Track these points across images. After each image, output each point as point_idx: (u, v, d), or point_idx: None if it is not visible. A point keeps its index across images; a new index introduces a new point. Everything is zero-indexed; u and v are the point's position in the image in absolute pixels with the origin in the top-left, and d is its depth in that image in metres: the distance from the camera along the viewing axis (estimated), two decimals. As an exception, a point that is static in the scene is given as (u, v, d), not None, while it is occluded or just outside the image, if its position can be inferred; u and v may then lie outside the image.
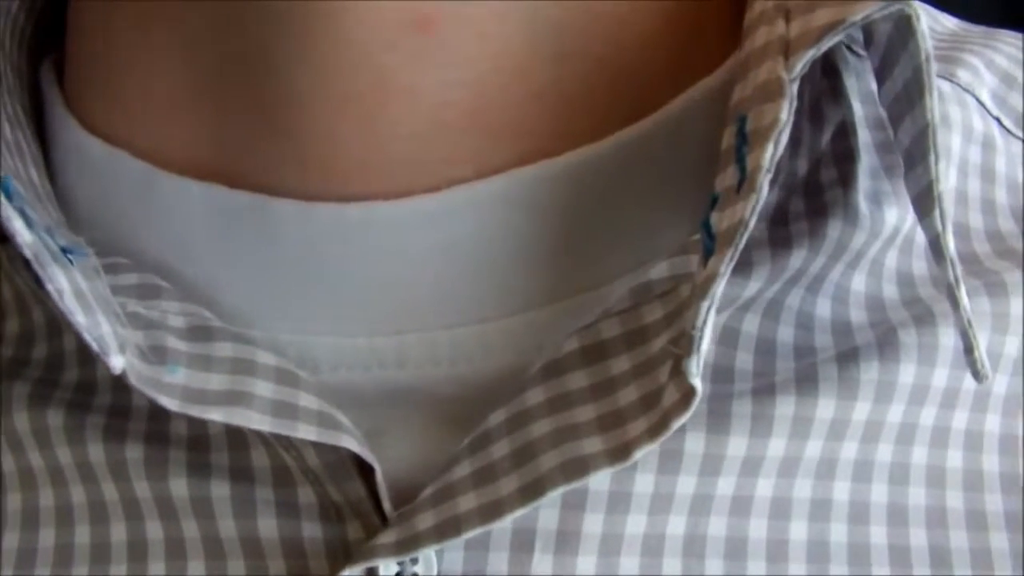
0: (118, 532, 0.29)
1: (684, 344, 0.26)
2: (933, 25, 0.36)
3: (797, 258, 0.30)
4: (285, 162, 0.29)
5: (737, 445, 0.29)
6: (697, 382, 0.26)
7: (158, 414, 0.30)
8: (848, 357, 0.30)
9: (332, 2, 0.28)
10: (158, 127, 0.30)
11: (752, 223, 0.26)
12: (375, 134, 0.29)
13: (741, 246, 0.26)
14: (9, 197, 0.27)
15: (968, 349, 0.28)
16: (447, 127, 0.29)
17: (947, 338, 0.30)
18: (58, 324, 0.31)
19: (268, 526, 0.29)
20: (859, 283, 0.31)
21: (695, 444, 0.29)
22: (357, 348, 0.30)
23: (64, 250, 0.28)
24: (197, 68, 0.29)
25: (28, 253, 0.27)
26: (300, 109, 0.29)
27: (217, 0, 0.28)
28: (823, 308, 0.30)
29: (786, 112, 0.26)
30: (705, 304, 0.26)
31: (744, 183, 0.27)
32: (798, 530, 0.29)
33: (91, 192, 0.32)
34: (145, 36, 0.30)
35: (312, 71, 0.28)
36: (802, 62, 0.26)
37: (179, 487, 0.29)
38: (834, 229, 0.30)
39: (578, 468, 0.27)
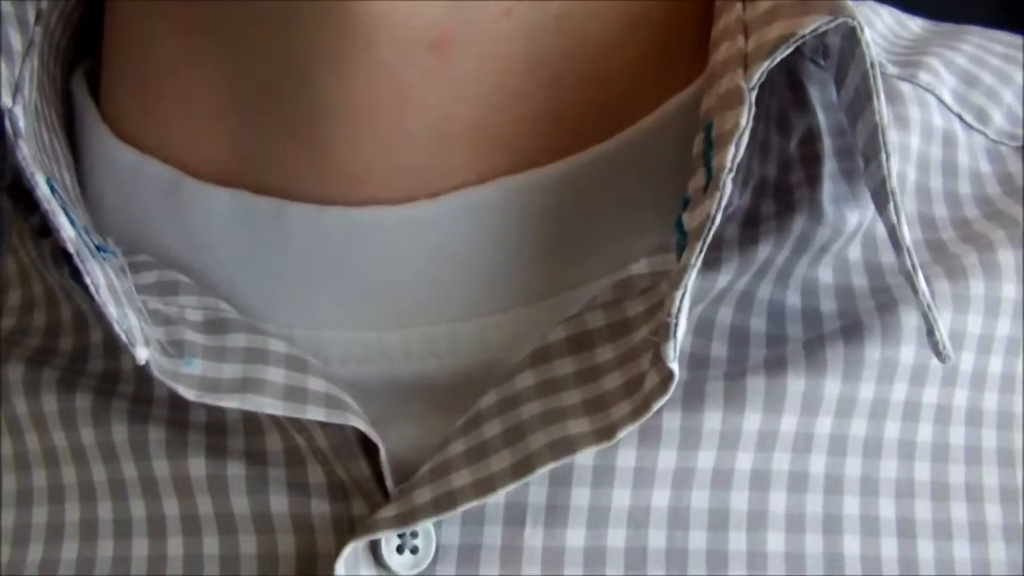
0: (137, 508, 0.32)
1: (662, 332, 0.29)
2: (899, 30, 0.38)
3: (763, 251, 0.32)
4: (305, 168, 0.32)
5: (712, 419, 0.31)
6: (675, 366, 0.28)
7: (178, 402, 0.32)
8: (815, 341, 0.32)
9: (365, 21, 0.30)
10: (188, 134, 0.33)
11: (719, 218, 0.28)
12: (389, 143, 0.31)
13: (709, 239, 0.28)
14: (54, 196, 0.30)
15: (930, 331, 0.30)
16: (451, 140, 0.31)
17: (910, 317, 0.32)
18: (84, 319, 0.33)
19: (279, 503, 0.31)
20: (826, 275, 0.33)
21: (671, 420, 0.31)
22: (365, 342, 0.32)
23: (98, 248, 0.31)
24: (232, 79, 0.32)
25: (71, 248, 0.29)
26: (326, 119, 0.31)
27: (256, 15, 0.31)
28: (793, 299, 0.32)
29: (745, 117, 0.28)
30: (679, 293, 0.28)
31: (710, 183, 0.29)
32: (777, 501, 0.31)
33: (118, 196, 0.34)
34: (183, 48, 0.32)
35: (341, 84, 0.31)
36: (758, 72, 0.29)
37: (197, 467, 0.31)
38: (797, 225, 0.32)
39: (566, 446, 0.29)
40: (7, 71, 0.30)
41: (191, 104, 0.33)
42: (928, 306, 0.30)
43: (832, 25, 0.28)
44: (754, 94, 0.29)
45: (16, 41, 0.31)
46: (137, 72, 0.34)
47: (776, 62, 0.29)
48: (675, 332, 0.28)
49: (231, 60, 0.32)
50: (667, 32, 0.33)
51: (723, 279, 0.32)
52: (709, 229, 0.28)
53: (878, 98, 0.29)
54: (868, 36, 0.29)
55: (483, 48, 0.31)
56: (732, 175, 0.28)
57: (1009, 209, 0.34)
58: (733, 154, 0.28)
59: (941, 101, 0.35)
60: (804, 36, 0.28)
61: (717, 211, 0.28)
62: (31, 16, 0.32)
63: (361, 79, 0.31)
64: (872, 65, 0.29)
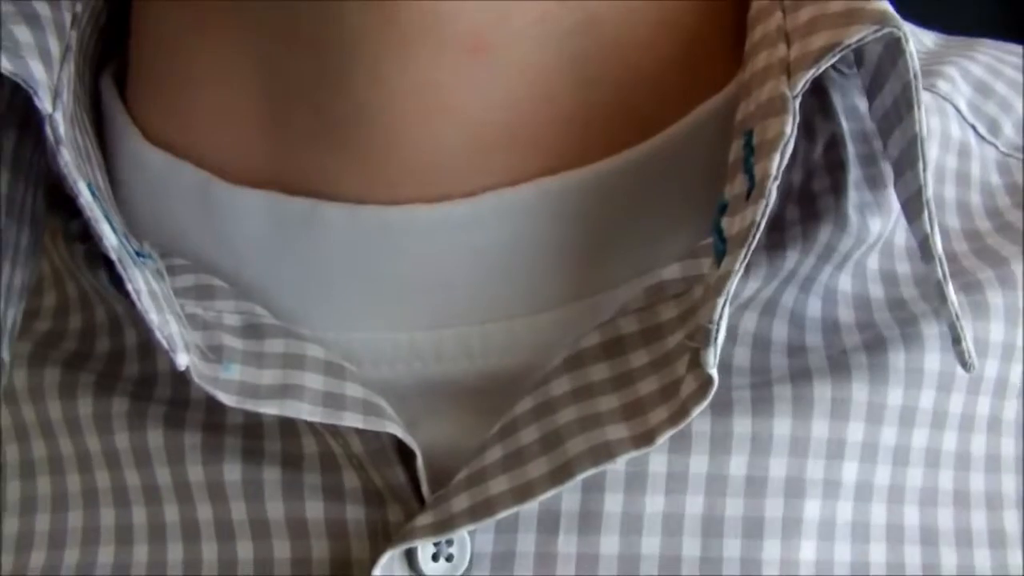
0: (171, 513, 0.31)
1: (700, 338, 0.29)
2: (915, 43, 0.39)
3: (791, 260, 0.32)
4: (338, 171, 0.32)
5: (742, 424, 0.31)
6: (714, 372, 0.28)
7: (215, 405, 0.32)
8: (837, 350, 0.32)
9: (405, 24, 0.30)
10: (220, 137, 0.32)
11: (763, 225, 0.28)
12: (424, 146, 0.31)
13: (753, 246, 0.28)
14: (95, 202, 0.29)
15: (956, 340, 0.30)
16: (486, 143, 0.31)
17: (930, 327, 0.32)
18: (119, 321, 0.33)
19: (315, 508, 0.31)
20: (845, 283, 0.33)
21: (701, 425, 0.31)
22: (398, 343, 0.32)
23: (137, 254, 0.30)
24: (265, 83, 0.32)
25: (113, 255, 0.29)
26: (362, 123, 0.31)
27: (291, 17, 0.31)
28: (814, 307, 0.33)
29: (790, 126, 0.29)
30: (721, 300, 0.28)
31: (753, 190, 0.29)
32: (811, 509, 0.31)
33: (150, 198, 0.34)
34: (215, 51, 0.32)
35: (380, 88, 0.31)
36: (803, 81, 0.29)
37: (232, 471, 0.31)
38: (824, 233, 0.32)
39: (605, 452, 0.29)
40: (47, 77, 0.30)
41: (222, 106, 0.32)
42: (956, 315, 0.30)
43: (878, 35, 0.29)
44: (798, 102, 0.29)
45: (55, 47, 0.31)
46: (167, 74, 0.33)
47: (821, 70, 0.29)
48: (716, 338, 0.28)
49: (264, 62, 0.32)
50: (698, 35, 0.33)
51: (752, 285, 0.32)
52: (754, 236, 0.29)
53: (919, 108, 0.30)
54: (912, 47, 0.29)
55: (518, 53, 0.31)
56: (777, 183, 0.29)
57: (1019, 223, 0.35)
58: (779, 163, 0.29)
59: (958, 111, 0.36)
60: (851, 45, 0.29)
61: (762, 219, 0.28)
62: (67, 21, 0.32)
63: (398, 83, 0.31)
64: (915, 76, 0.29)
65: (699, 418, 0.31)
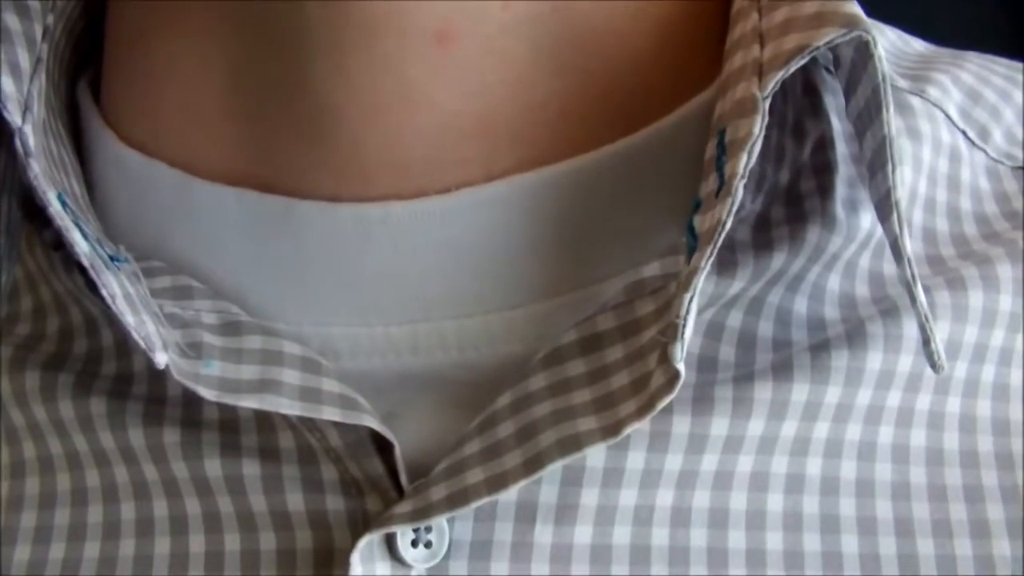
0: (160, 508, 0.32)
1: (670, 333, 0.29)
2: (904, 47, 0.39)
3: (778, 260, 0.33)
4: (312, 167, 0.32)
5: (720, 425, 0.32)
6: (681, 366, 0.29)
7: (191, 401, 0.32)
8: (821, 347, 0.33)
9: (366, 16, 0.30)
10: (193, 137, 0.33)
11: (729, 223, 0.29)
12: (396, 140, 0.32)
13: (719, 243, 0.29)
14: (65, 211, 0.30)
15: (925, 341, 0.31)
16: (459, 133, 0.32)
17: (911, 329, 0.33)
18: (95, 322, 0.34)
19: (295, 501, 0.32)
20: (834, 283, 0.33)
21: (681, 425, 0.32)
22: (374, 337, 0.33)
23: (111, 258, 0.31)
24: (235, 82, 0.32)
25: (85, 262, 0.30)
26: (332, 119, 0.31)
27: (257, 14, 0.31)
28: (800, 305, 0.33)
29: (758, 126, 0.29)
30: (688, 296, 0.29)
31: (722, 189, 0.30)
32: (775, 502, 0.32)
33: (127, 201, 0.34)
34: (185, 50, 0.33)
35: (345, 84, 0.31)
36: (772, 82, 0.29)
37: (213, 467, 0.32)
38: (812, 234, 0.33)
39: (574, 444, 0.30)
40: (16, 91, 0.31)
41: (195, 106, 0.33)
42: (925, 316, 0.31)
43: (847, 38, 0.29)
44: (767, 103, 0.29)
45: (24, 60, 0.32)
46: (138, 74, 0.34)
47: (790, 72, 0.29)
48: (683, 334, 0.29)
49: (233, 60, 0.32)
50: (681, 30, 0.33)
51: (737, 285, 0.32)
52: (720, 233, 0.29)
53: (887, 111, 0.30)
54: (881, 50, 0.29)
55: (487, 40, 0.31)
56: (744, 181, 0.29)
57: (1007, 233, 0.35)
58: (746, 162, 0.29)
59: (948, 116, 0.36)
60: (819, 47, 0.29)
61: (728, 216, 0.29)
62: (38, 34, 0.33)
63: (365, 76, 0.31)
64: (884, 79, 0.30)
65: (679, 418, 0.31)
